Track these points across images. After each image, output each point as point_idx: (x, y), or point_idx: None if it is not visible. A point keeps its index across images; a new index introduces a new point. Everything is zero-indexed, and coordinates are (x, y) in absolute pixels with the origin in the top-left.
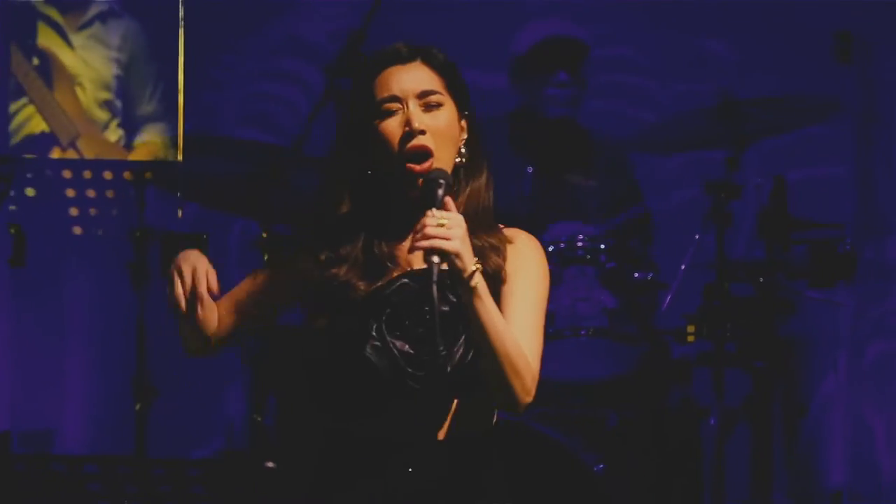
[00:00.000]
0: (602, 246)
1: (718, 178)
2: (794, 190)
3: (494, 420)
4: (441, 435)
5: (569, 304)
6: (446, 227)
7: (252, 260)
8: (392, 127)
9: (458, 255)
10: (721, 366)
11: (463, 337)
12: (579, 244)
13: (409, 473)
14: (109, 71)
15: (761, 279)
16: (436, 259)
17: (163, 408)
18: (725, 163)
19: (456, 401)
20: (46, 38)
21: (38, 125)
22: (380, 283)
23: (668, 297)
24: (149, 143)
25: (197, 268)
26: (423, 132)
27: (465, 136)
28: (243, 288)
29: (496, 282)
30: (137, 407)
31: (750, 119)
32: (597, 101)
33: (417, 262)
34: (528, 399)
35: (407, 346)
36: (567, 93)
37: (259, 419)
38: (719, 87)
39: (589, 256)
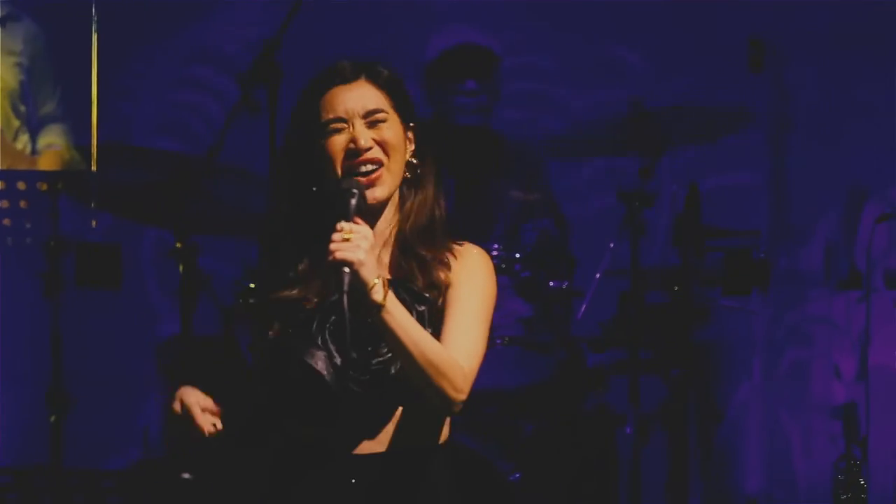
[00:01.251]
0: (517, 255)
1: (632, 187)
2: (708, 198)
3: (444, 436)
4: (386, 447)
5: None
6: (351, 239)
7: (166, 270)
8: (337, 145)
9: (360, 266)
10: (636, 373)
11: None
12: (494, 253)
13: (352, 484)
14: (15, 77)
15: (676, 287)
16: (346, 269)
17: (78, 418)
18: (639, 171)
19: (401, 411)
20: None
21: None
22: (328, 295)
23: (584, 305)
24: (52, 145)
25: (204, 406)
26: (369, 148)
27: (411, 147)
28: None
29: (439, 292)
30: (52, 418)
31: (663, 127)
32: (509, 110)
33: None
34: (461, 397)
35: (353, 353)
36: (476, 101)
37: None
38: (632, 95)
39: (504, 265)
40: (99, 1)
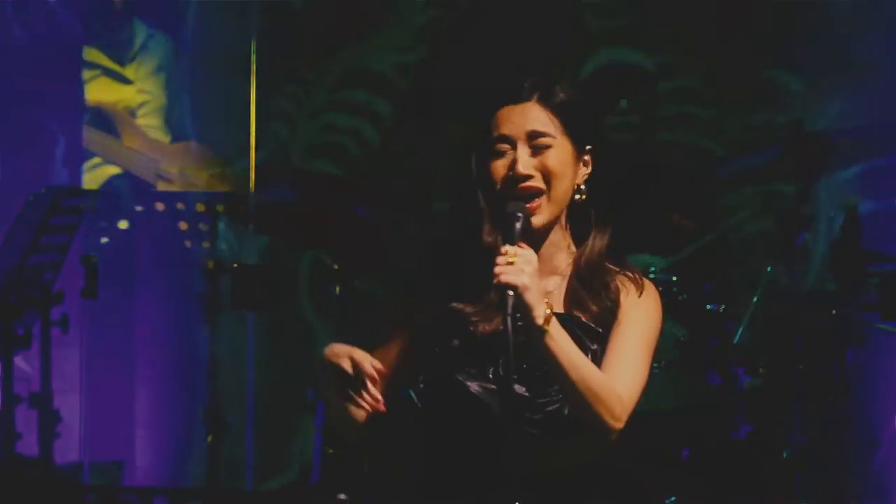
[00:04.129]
0: (674, 278)
1: (789, 210)
2: (866, 222)
3: (602, 460)
4: (547, 471)
5: None
6: (515, 263)
7: (323, 292)
8: (499, 167)
9: (524, 291)
10: (792, 398)
11: None
12: (651, 276)
13: None
14: (163, 92)
15: (833, 311)
16: (511, 293)
17: (234, 439)
18: (796, 194)
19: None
20: (108, 93)
21: (113, 169)
22: (499, 326)
23: (740, 330)
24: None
25: (355, 358)
26: (529, 177)
27: (586, 171)
28: (390, 352)
29: (610, 323)
30: (209, 439)
31: (821, 150)
32: (666, 133)
33: None
34: (618, 425)
35: (524, 389)
36: (630, 120)
37: (331, 451)
38: (790, 117)
39: (661, 288)
40: (257, 25)
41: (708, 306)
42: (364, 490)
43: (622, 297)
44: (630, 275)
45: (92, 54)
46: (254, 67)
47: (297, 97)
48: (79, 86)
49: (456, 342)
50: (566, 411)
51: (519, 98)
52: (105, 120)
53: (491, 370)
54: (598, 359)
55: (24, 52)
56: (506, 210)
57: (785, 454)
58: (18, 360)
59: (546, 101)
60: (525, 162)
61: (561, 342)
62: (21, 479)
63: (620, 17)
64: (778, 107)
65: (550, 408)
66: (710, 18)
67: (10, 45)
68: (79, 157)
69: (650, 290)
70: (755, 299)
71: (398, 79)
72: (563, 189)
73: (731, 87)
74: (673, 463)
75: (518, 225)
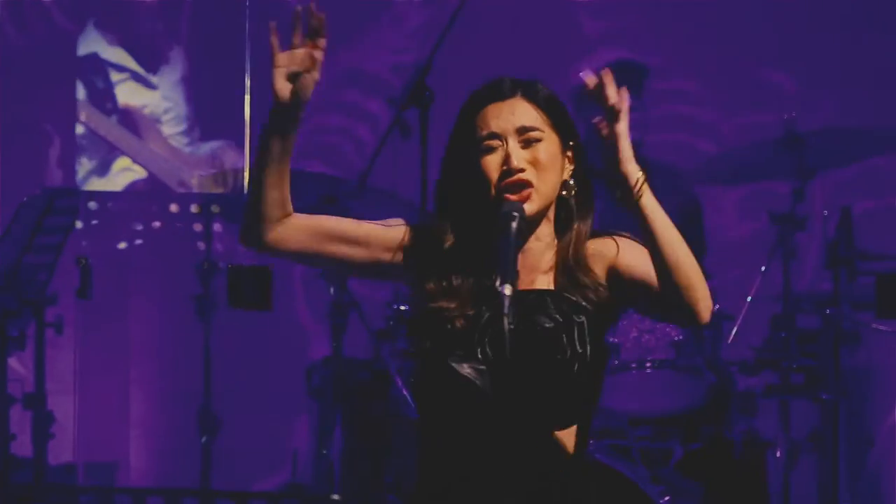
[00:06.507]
0: None
1: (783, 210)
2: (860, 221)
3: (587, 455)
4: (534, 466)
5: (635, 337)
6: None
7: (318, 292)
8: (492, 164)
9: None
10: (787, 397)
11: (568, 353)
12: None
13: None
14: (182, 101)
15: (827, 311)
16: (507, 291)
17: (228, 439)
18: (791, 194)
19: (551, 432)
20: (124, 93)
21: (140, 172)
22: (483, 309)
23: (734, 329)
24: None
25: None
26: (522, 170)
27: (571, 167)
28: (349, 220)
29: (600, 290)
30: (203, 439)
31: (815, 150)
32: (658, 133)
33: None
34: (708, 315)
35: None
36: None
37: (325, 452)
38: (784, 117)
39: None
40: (252, 24)
41: None
42: (357, 491)
43: (611, 257)
44: (601, 238)
45: (119, 55)
46: (248, 67)
47: None
48: (73, 86)
49: (443, 331)
50: (576, 367)
51: (504, 95)
52: (132, 122)
53: (479, 350)
54: (584, 331)
55: (18, 52)
56: (502, 210)
57: (779, 453)
58: (13, 361)
59: (531, 97)
60: (518, 155)
61: (658, 211)
62: (15, 480)
63: (615, 19)
64: (772, 106)
65: (536, 380)
66: (703, 18)
67: (4, 46)
68: (73, 157)
69: (622, 237)
70: (749, 299)
71: (392, 79)
72: (552, 182)
73: (724, 86)
74: (667, 462)
75: (514, 224)
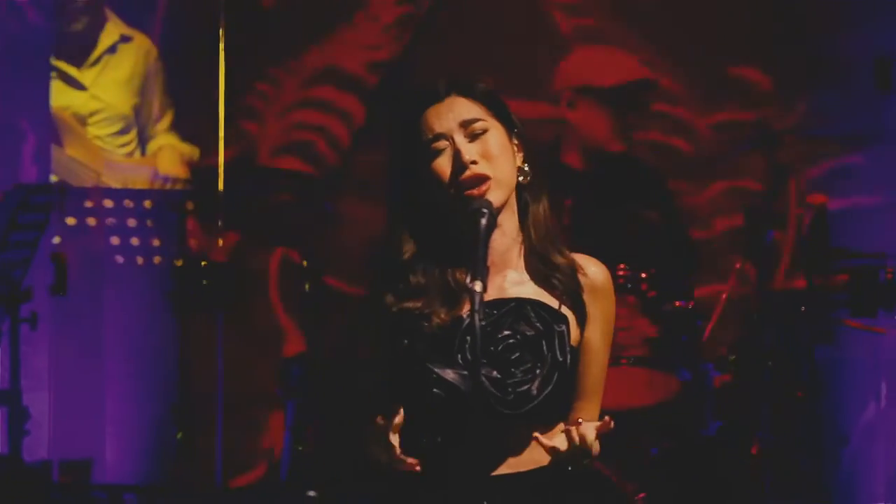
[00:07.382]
0: (643, 275)
1: (758, 207)
2: (835, 219)
3: None
4: (517, 468)
5: None
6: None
7: (293, 288)
8: (443, 164)
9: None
10: (761, 395)
11: (549, 361)
12: (621, 273)
13: None
14: (127, 99)
15: (802, 308)
16: (478, 287)
17: (204, 436)
18: (765, 192)
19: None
20: (59, 98)
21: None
22: (459, 311)
23: (709, 326)
24: (164, 147)
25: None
26: (474, 162)
27: (521, 154)
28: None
29: (574, 303)
30: (179, 436)
31: (790, 148)
32: (634, 132)
33: (494, 290)
34: None
35: (495, 372)
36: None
37: (300, 449)
38: (759, 116)
39: (630, 286)
40: (227, 23)
41: (677, 303)
42: (333, 487)
43: (584, 284)
44: (583, 259)
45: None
46: (222, 65)
47: (266, 95)
48: (47, 84)
49: (420, 335)
50: (534, 390)
51: (440, 96)
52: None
53: (459, 356)
54: (564, 339)
55: None
56: (469, 207)
57: (754, 451)
58: None
59: (467, 93)
60: (468, 149)
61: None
62: None
63: (591, 17)
64: (747, 105)
65: (520, 388)
66: (679, 17)
67: None
68: (48, 154)
69: (608, 285)
70: (724, 296)
71: (367, 77)
72: (508, 171)
73: (699, 85)
74: (643, 459)
75: (483, 221)
